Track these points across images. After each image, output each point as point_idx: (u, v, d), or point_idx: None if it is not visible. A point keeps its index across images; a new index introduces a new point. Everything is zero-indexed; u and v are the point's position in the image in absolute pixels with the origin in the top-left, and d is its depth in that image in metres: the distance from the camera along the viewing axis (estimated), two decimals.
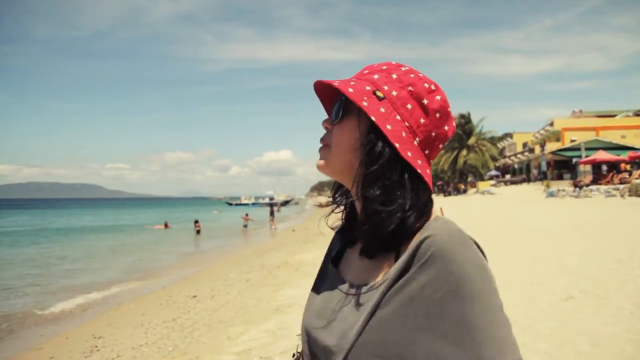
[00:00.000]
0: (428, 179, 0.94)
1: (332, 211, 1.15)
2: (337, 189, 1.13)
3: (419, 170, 0.92)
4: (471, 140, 54.48)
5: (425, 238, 0.85)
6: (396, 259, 0.90)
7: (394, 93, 0.94)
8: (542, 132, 56.47)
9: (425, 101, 0.95)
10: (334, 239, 1.19)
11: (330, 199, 1.14)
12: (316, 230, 25.13)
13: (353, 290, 0.95)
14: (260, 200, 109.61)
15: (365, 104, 0.91)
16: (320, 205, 1.19)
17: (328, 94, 1.08)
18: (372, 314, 0.86)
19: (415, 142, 0.94)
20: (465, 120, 55.64)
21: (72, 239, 27.51)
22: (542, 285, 6.83)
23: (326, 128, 1.04)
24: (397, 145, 0.90)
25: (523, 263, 8.65)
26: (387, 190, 0.91)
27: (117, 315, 8.57)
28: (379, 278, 0.91)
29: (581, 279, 6.96)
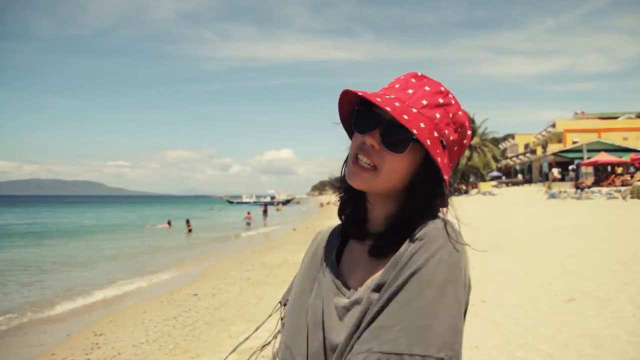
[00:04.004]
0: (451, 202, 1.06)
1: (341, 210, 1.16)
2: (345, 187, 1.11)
3: (449, 203, 1.04)
4: (474, 142, 54.41)
5: (417, 234, 0.94)
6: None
7: (451, 138, 1.02)
8: (544, 133, 56.40)
9: (465, 141, 1.07)
10: (322, 236, 1.24)
11: (339, 194, 1.15)
12: (317, 229, 25.09)
13: (354, 292, 1.01)
14: (262, 199, 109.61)
15: (439, 159, 0.97)
16: (324, 204, 1.21)
17: (352, 97, 1.04)
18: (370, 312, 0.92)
19: (450, 173, 1.05)
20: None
21: (76, 238, 27.54)
22: (543, 287, 6.83)
23: (372, 146, 0.99)
24: (446, 192, 1.01)
25: (524, 264, 8.65)
26: (424, 214, 1.00)
27: (118, 313, 8.58)
28: (377, 275, 0.98)
29: (582, 281, 6.96)
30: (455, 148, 1.03)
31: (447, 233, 0.93)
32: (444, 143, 0.99)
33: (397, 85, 1.03)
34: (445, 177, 0.99)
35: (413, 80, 1.03)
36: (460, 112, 1.03)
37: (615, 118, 56.14)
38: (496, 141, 62.30)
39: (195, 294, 9.36)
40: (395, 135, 0.97)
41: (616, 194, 24.68)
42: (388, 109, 0.93)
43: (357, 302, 0.97)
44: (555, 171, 43.19)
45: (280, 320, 1.17)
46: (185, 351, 5.77)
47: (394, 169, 0.98)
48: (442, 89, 1.02)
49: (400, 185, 1.01)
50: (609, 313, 5.42)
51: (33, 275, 13.59)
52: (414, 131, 0.93)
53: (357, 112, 1.03)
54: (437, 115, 0.98)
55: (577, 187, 30.72)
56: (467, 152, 54.28)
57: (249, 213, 34.80)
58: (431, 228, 0.94)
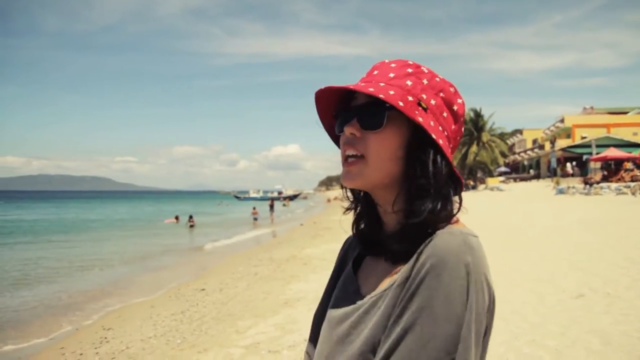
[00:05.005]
0: (462, 186, 0.98)
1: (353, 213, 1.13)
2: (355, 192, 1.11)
3: (462, 181, 0.97)
4: (483, 137, 54.12)
5: (427, 250, 0.86)
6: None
7: (433, 102, 0.95)
8: (552, 128, 56.06)
9: (455, 107, 0.98)
10: (350, 240, 1.19)
11: (348, 202, 1.12)
12: (325, 225, 25.21)
13: (367, 300, 0.96)
14: (269, 194, 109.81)
15: (420, 119, 0.91)
16: (345, 210, 1.14)
17: (330, 99, 1.03)
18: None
19: (450, 150, 0.97)
20: (477, 116, 55.22)
21: (84, 233, 27.72)
22: (551, 283, 6.79)
23: (352, 135, 0.95)
24: (451, 159, 0.94)
25: (533, 260, 8.60)
26: (439, 202, 0.92)
27: (126, 308, 8.63)
28: (386, 284, 0.93)
29: (591, 277, 6.91)
30: (444, 114, 0.96)
31: (459, 252, 0.83)
32: (424, 105, 0.93)
33: (391, 74, 0.98)
34: (440, 140, 0.92)
35: (409, 70, 0.99)
36: (437, 79, 0.97)
37: (625, 113, 55.67)
38: (504, 136, 61.96)
39: (203, 289, 9.39)
40: (371, 114, 0.93)
41: (625, 190, 24.48)
42: (351, 86, 0.93)
43: (358, 309, 0.96)
44: (569, 166, 42.85)
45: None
46: (193, 346, 5.80)
47: (381, 149, 0.93)
48: (410, 62, 0.98)
49: (396, 168, 0.94)
50: (618, 309, 5.38)
51: (41, 268, 13.70)
52: (381, 96, 0.89)
53: (337, 118, 1.02)
54: (409, 83, 0.94)
55: (585, 183, 30.51)
56: (474, 148, 54.08)
57: (254, 208, 34.92)
58: (441, 244, 0.85)
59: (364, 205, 1.08)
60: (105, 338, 6.61)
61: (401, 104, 0.90)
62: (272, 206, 37.72)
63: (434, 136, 0.90)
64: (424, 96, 0.94)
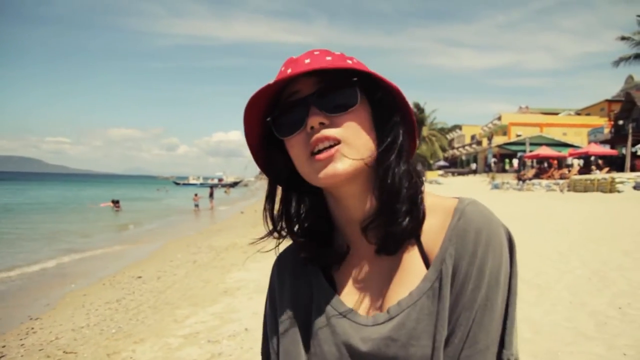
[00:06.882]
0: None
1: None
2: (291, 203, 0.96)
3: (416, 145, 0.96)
4: (424, 131, 55.47)
5: (464, 223, 0.83)
6: (420, 247, 0.87)
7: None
8: (490, 125, 58.19)
9: None
10: (287, 264, 1.00)
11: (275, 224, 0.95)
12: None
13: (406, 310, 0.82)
14: (209, 181, 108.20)
15: (395, 84, 0.85)
16: (260, 238, 0.97)
17: (259, 106, 0.87)
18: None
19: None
20: (418, 110, 56.53)
21: (11, 217, 26.30)
22: None
23: (322, 124, 0.82)
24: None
25: None
26: (417, 165, 0.91)
27: (56, 296, 8.22)
28: (416, 280, 0.84)
29: (523, 269, 7.19)
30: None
31: (495, 218, 0.84)
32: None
33: (287, 69, 0.86)
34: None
35: (305, 54, 0.88)
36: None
37: (556, 114, 58.61)
38: (444, 131, 63.74)
39: (140, 277, 9.10)
40: (336, 94, 0.83)
41: (555, 187, 25.79)
42: (312, 67, 0.81)
43: (398, 329, 0.82)
44: (515, 162, 44.77)
45: None
46: (129, 335, 5.59)
47: (358, 128, 0.84)
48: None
49: (372, 147, 0.85)
50: (547, 300, 5.64)
51: None
52: (349, 62, 0.83)
53: (275, 120, 0.87)
54: (349, 62, 0.85)
55: (519, 179, 31.91)
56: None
57: (196, 195, 34.40)
58: (478, 214, 0.83)
59: (313, 208, 0.95)
60: (32, 329, 6.26)
61: (374, 70, 0.84)
62: (212, 194, 37.27)
63: (404, 94, 0.86)
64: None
